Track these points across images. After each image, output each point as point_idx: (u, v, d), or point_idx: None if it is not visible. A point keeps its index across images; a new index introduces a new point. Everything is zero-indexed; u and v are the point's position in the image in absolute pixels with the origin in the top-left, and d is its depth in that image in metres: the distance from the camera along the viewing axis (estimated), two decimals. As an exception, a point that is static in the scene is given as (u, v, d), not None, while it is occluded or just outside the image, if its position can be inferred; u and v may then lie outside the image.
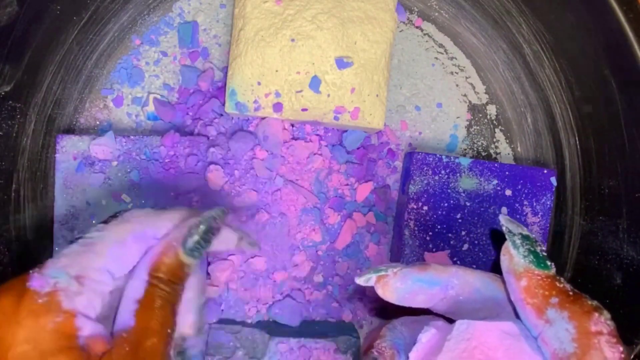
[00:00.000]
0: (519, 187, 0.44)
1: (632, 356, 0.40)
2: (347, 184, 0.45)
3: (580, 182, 0.46)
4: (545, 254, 0.28)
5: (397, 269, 0.29)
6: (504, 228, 0.30)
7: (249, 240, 0.36)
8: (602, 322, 0.24)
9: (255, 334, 0.42)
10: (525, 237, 0.29)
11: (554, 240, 0.46)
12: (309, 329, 0.44)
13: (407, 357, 0.28)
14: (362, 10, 0.43)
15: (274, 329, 0.43)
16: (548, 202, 0.44)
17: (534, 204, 0.44)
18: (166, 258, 0.29)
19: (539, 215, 0.44)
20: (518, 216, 0.44)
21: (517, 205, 0.44)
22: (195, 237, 0.30)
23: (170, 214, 0.32)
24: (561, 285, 0.26)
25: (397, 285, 0.29)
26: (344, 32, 0.42)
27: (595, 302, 0.25)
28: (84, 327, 0.26)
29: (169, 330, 0.28)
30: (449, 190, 0.43)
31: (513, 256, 0.28)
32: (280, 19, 0.42)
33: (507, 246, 0.29)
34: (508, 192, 0.44)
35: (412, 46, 0.48)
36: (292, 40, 0.42)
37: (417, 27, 0.48)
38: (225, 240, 0.34)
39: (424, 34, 0.48)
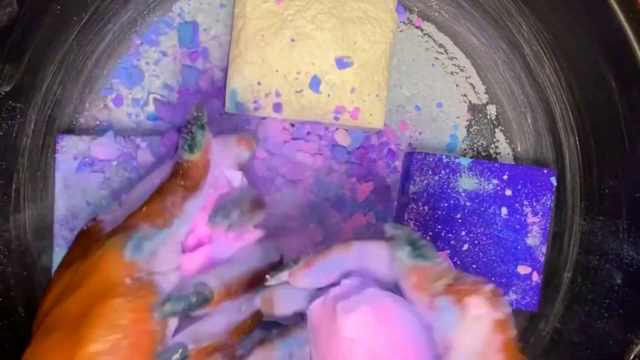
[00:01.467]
0: (519, 187, 0.44)
1: (632, 356, 0.40)
2: (347, 184, 0.45)
3: (580, 182, 0.46)
4: (429, 245, 0.29)
5: (302, 261, 0.31)
6: (387, 236, 0.30)
7: (245, 136, 0.37)
8: (484, 302, 0.24)
9: (255, 333, 0.42)
10: (408, 238, 0.29)
11: (554, 240, 0.46)
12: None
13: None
14: (362, 10, 0.43)
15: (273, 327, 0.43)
16: (548, 202, 0.44)
17: (534, 204, 0.44)
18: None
19: (539, 215, 0.44)
20: (518, 216, 0.44)
21: (517, 205, 0.44)
22: (182, 139, 0.31)
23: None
24: (445, 273, 0.27)
25: (306, 276, 0.31)
26: (344, 32, 0.42)
27: (475, 279, 0.25)
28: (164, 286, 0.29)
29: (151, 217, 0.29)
30: (449, 190, 0.43)
31: (399, 259, 0.28)
32: (280, 19, 0.42)
33: (394, 252, 0.29)
34: (508, 192, 0.44)
35: (412, 46, 0.48)
36: (292, 40, 0.42)
37: (417, 27, 0.48)
38: (224, 141, 0.35)
39: (424, 34, 0.48)
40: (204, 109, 0.32)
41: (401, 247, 0.28)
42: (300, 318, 0.33)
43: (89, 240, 0.30)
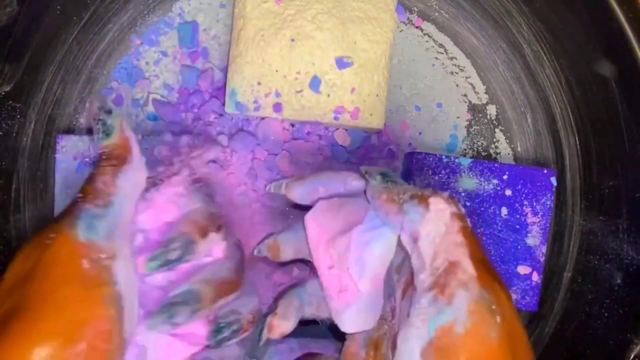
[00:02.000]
0: (519, 187, 0.44)
1: (632, 356, 0.40)
2: (347, 184, 0.45)
3: (580, 182, 0.46)
4: (399, 177, 0.33)
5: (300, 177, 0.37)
6: (362, 172, 0.35)
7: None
8: (442, 200, 0.27)
9: (256, 333, 0.42)
10: (379, 171, 0.33)
11: (554, 240, 0.46)
12: (309, 329, 0.44)
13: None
14: (362, 10, 0.43)
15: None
16: (548, 202, 0.44)
17: (534, 204, 0.44)
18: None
19: (539, 215, 0.44)
20: (518, 216, 0.44)
21: (517, 205, 0.44)
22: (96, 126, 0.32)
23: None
24: (410, 188, 0.30)
25: (299, 186, 0.37)
26: (344, 32, 0.42)
27: (433, 190, 0.29)
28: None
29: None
30: (449, 190, 0.43)
31: (372, 185, 0.33)
32: (280, 19, 0.42)
33: (368, 181, 0.34)
34: (508, 192, 0.44)
35: (412, 46, 0.48)
36: (292, 40, 0.42)
37: (417, 27, 0.48)
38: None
39: (424, 34, 0.48)
40: (105, 102, 0.33)
41: (374, 176, 0.33)
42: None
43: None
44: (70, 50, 0.44)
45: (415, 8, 0.48)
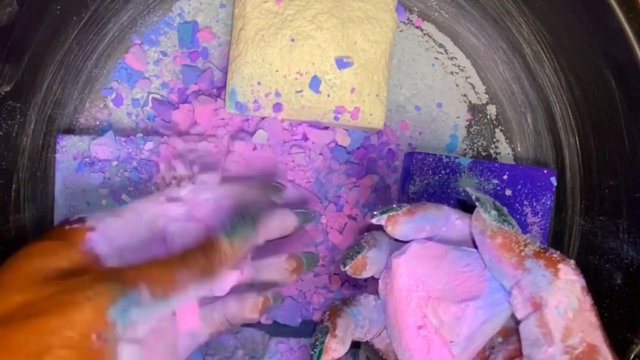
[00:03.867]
0: (519, 187, 0.44)
1: (632, 356, 0.40)
2: (347, 184, 0.45)
3: (580, 182, 0.46)
4: (511, 217, 0.30)
5: (405, 207, 0.32)
6: (473, 197, 0.31)
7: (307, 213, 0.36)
8: (572, 270, 0.26)
9: (255, 334, 0.42)
10: (494, 204, 0.30)
11: (554, 240, 0.46)
12: (309, 329, 0.44)
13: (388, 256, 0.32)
14: (362, 10, 0.43)
15: (274, 329, 0.43)
16: (548, 202, 0.44)
17: (534, 204, 0.44)
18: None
19: (539, 215, 0.44)
20: (518, 216, 0.44)
21: (517, 205, 0.44)
22: (235, 222, 0.30)
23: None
24: (530, 241, 0.28)
25: (406, 223, 0.31)
26: (344, 32, 0.42)
27: (559, 254, 0.27)
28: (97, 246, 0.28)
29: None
30: (449, 190, 0.43)
31: (485, 220, 0.30)
32: (280, 19, 0.42)
33: (479, 212, 0.30)
34: (508, 192, 0.44)
35: (412, 46, 0.48)
36: (292, 40, 0.42)
37: (417, 27, 0.48)
38: (282, 222, 0.34)
39: (424, 34, 0.48)
40: (280, 190, 0.32)
41: (488, 209, 0.29)
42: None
43: (67, 243, 0.28)
44: (70, 50, 0.44)
45: (415, 8, 0.48)
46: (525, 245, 0.27)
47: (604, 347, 0.24)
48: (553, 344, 0.25)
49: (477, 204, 0.30)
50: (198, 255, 0.29)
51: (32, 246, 0.27)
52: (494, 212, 0.29)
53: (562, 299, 0.25)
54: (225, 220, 0.30)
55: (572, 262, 0.26)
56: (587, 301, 0.25)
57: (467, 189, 0.32)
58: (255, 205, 0.31)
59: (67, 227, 0.29)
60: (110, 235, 0.29)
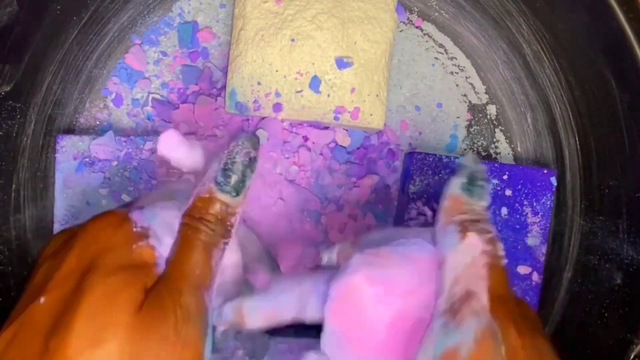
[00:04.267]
0: (519, 187, 0.44)
1: (632, 356, 0.40)
2: (347, 184, 0.45)
3: (580, 182, 0.46)
4: (485, 189, 0.30)
5: (350, 241, 0.31)
6: (463, 162, 0.31)
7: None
8: (477, 237, 0.27)
9: (255, 334, 0.42)
10: (472, 173, 0.30)
11: (554, 240, 0.46)
12: (309, 329, 0.44)
13: None
14: (362, 10, 0.43)
15: (274, 329, 0.43)
16: (548, 202, 0.44)
17: (534, 204, 0.44)
18: (199, 197, 0.28)
19: (539, 215, 0.44)
20: (518, 216, 0.44)
21: (517, 205, 0.44)
22: (225, 172, 0.28)
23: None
24: (474, 213, 0.29)
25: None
26: (344, 32, 0.42)
27: (488, 227, 0.28)
28: (160, 263, 0.27)
29: (197, 272, 0.27)
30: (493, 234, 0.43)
31: (452, 183, 0.30)
32: (280, 19, 0.42)
33: (454, 177, 0.30)
34: (508, 192, 0.44)
35: (412, 46, 0.48)
36: (292, 40, 0.42)
37: (417, 27, 0.48)
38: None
39: (424, 34, 0.48)
40: (257, 140, 0.29)
41: (461, 176, 0.30)
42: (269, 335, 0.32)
43: (122, 246, 0.27)
44: (70, 50, 0.44)
45: (415, 8, 0.48)
46: (463, 213, 0.28)
47: (483, 293, 0.26)
48: (442, 293, 0.26)
49: (459, 169, 0.31)
50: (209, 225, 0.28)
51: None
52: (463, 180, 0.29)
53: (459, 258, 0.27)
54: (217, 173, 0.28)
55: (491, 234, 0.28)
56: (482, 260, 0.27)
57: (466, 158, 0.31)
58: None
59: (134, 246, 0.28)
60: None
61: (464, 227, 0.28)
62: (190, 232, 0.28)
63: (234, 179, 0.28)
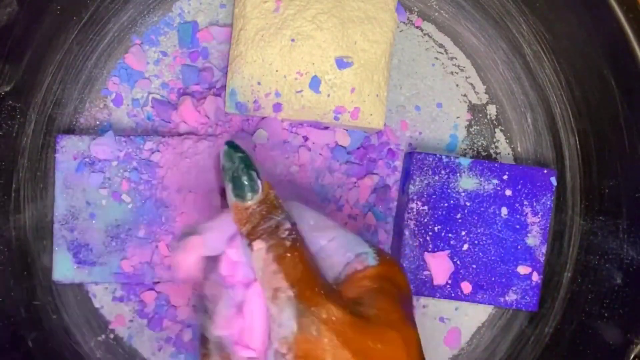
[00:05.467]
0: (519, 187, 0.44)
1: (632, 356, 0.40)
2: (347, 184, 0.45)
3: (580, 182, 0.46)
4: (251, 181, 0.30)
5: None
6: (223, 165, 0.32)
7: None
8: (260, 240, 0.29)
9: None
10: (233, 173, 0.31)
11: (554, 240, 0.46)
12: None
13: None
14: (362, 10, 0.43)
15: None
16: (548, 202, 0.44)
17: (534, 204, 0.44)
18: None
19: (539, 215, 0.44)
20: (518, 216, 0.44)
21: (517, 205, 0.44)
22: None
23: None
24: (251, 216, 0.30)
25: None
26: (344, 32, 0.42)
27: (266, 225, 0.30)
28: None
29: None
30: (449, 190, 0.43)
31: (227, 192, 0.31)
32: (280, 19, 0.42)
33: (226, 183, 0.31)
34: (508, 192, 0.44)
35: (412, 46, 0.48)
36: (292, 40, 0.42)
37: (417, 27, 0.48)
38: None
39: (424, 34, 0.48)
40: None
41: (227, 182, 0.31)
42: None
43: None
44: (70, 50, 0.44)
45: (415, 8, 0.48)
46: (246, 222, 0.30)
47: (283, 284, 0.28)
48: (266, 303, 0.29)
49: (223, 173, 0.31)
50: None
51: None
52: (230, 185, 0.30)
53: (255, 267, 0.29)
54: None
55: (269, 226, 0.29)
56: (270, 256, 0.29)
57: (223, 157, 0.31)
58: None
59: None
60: None
61: (249, 239, 0.30)
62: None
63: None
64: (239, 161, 0.31)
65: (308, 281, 0.29)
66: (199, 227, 0.32)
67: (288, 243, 0.29)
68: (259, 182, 0.30)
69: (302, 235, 0.30)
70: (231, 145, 0.31)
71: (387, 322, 0.28)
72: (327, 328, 0.27)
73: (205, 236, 0.31)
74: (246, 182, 0.30)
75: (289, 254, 0.29)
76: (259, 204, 0.30)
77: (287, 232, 0.30)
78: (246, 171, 0.30)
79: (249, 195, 0.30)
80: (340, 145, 0.45)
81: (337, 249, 0.31)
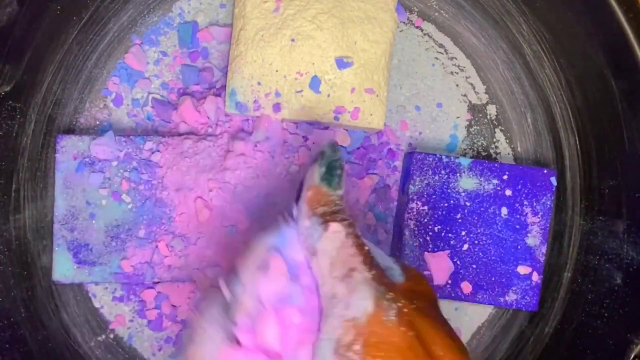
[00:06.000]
0: (519, 187, 0.44)
1: (632, 356, 0.40)
2: (347, 184, 0.45)
3: (580, 182, 0.46)
4: (342, 176, 0.32)
5: None
6: (323, 151, 0.32)
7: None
8: (339, 224, 0.29)
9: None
10: (330, 161, 0.32)
11: (554, 240, 0.46)
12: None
13: None
14: (362, 10, 0.43)
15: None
16: (548, 202, 0.44)
17: (534, 204, 0.44)
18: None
19: (539, 215, 0.44)
20: (518, 216, 0.44)
21: (517, 205, 0.44)
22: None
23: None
24: (333, 203, 0.30)
25: None
26: (344, 32, 0.42)
27: (343, 216, 0.30)
28: None
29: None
30: (449, 190, 0.43)
31: (312, 172, 0.31)
32: (280, 19, 0.42)
33: (314, 164, 0.32)
34: (508, 192, 0.44)
35: (412, 46, 0.48)
36: (292, 40, 0.42)
37: (417, 27, 0.48)
38: None
39: (424, 34, 0.48)
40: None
41: (320, 165, 0.31)
42: None
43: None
44: (70, 50, 0.44)
45: (415, 8, 0.48)
46: (324, 205, 0.30)
47: (361, 266, 0.28)
48: (325, 282, 0.28)
49: (320, 156, 0.32)
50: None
51: None
52: (322, 170, 0.31)
53: (327, 246, 0.29)
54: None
55: (347, 222, 0.29)
56: (350, 240, 0.29)
57: (326, 146, 0.32)
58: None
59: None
60: None
61: (325, 219, 0.30)
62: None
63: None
64: (340, 157, 0.32)
65: (382, 273, 0.28)
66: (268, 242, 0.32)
67: (363, 240, 0.29)
68: (343, 182, 0.31)
69: None
70: (336, 143, 0.32)
71: (444, 337, 0.27)
72: (405, 316, 0.26)
73: (285, 252, 0.31)
74: (339, 173, 0.31)
75: (366, 247, 0.29)
76: (339, 197, 0.31)
77: (360, 233, 0.30)
78: (342, 165, 0.31)
79: (336, 184, 0.31)
80: (341, 145, 0.45)
81: None
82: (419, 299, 0.28)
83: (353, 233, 0.29)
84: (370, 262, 0.28)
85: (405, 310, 0.26)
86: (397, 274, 0.30)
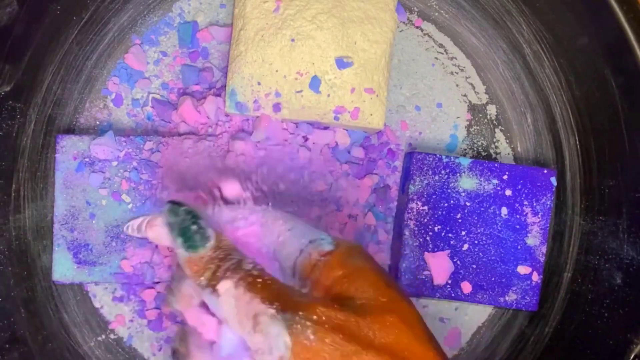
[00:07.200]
0: (519, 187, 0.44)
1: (632, 356, 0.40)
2: (347, 184, 0.45)
3: (580, 182, 0.46)
4: (201, 230, 0.30)
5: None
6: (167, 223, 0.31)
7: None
8: (228, 280, 0.28)
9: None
10: (181, 225, 0.30)
11: (554, 240, 0.46)
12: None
13: None
14: (362, 10, 0.43)
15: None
16: (548, 202, 0.44)
17: (534, 204, 0.44)
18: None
19: (539, 215, 0.44)
20: (518, 216, 0.44)
21: (517, 205, 0.44)
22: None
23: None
24: (209, 262, 0.29)
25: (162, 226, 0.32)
26: (344, 32, 0.42)
27: (228, 265, 0.29)
28: None
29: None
30: (449, 190, 0.43)
31: (177, 250, 0.30)
32: (280, 19, 0.42)
33: (172, 239, 0.31)
34: (508, 192, 0.44)
35: (412, 46, 0.48)
36: (292, 40, 0.42)
37: (417, 27, 0.48)
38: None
39: (424, 34, 0.48)
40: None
41: (176, 237, 0.30)
42: None
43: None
44: (70, 50, 0.44)
45: (415, 8, 0.48)
46: (204, 272, 0.29)
47: (262, 307, 0.27)
48: (247, 340, 0.28)
49: (169, 227, 0.30)
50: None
51: None
52: (179, 240, 0.30)
53: (227, 310, 0.28)
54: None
55: (229, 273, 0.28)
56: (241, 289, 0.28)
57: (166, 212, 0.31)
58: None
59: None
60: None
61: (211, 285, 0.29)
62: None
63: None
64: (184, 213, 0.30)
65: (286, 294, 0.28)
66: None
67: (256, 272, 0.29)
68: (208, 229, 0.30)
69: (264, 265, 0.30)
70: (173, 202, 0.31)
71: (379, 308, 0.27)
72: (323, 329, 0.26)
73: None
74: (196, 231, 0.30)
75: (260, 280, 0.28)
76: (213, 250, 0.30)
77: (251, 265, 0.29)
78: (194, 221, 0.30)
79: (200, 243, 0.29)
80: (341, 145, 0.45)
81: (291, 238, 0.31)
82: (356, 268, 0.29)
83: (244, 275, 0.28)
84: (268, 294, 0.27)
85: (323, 319, 0.26)
86: (325, 243, 0.30)
